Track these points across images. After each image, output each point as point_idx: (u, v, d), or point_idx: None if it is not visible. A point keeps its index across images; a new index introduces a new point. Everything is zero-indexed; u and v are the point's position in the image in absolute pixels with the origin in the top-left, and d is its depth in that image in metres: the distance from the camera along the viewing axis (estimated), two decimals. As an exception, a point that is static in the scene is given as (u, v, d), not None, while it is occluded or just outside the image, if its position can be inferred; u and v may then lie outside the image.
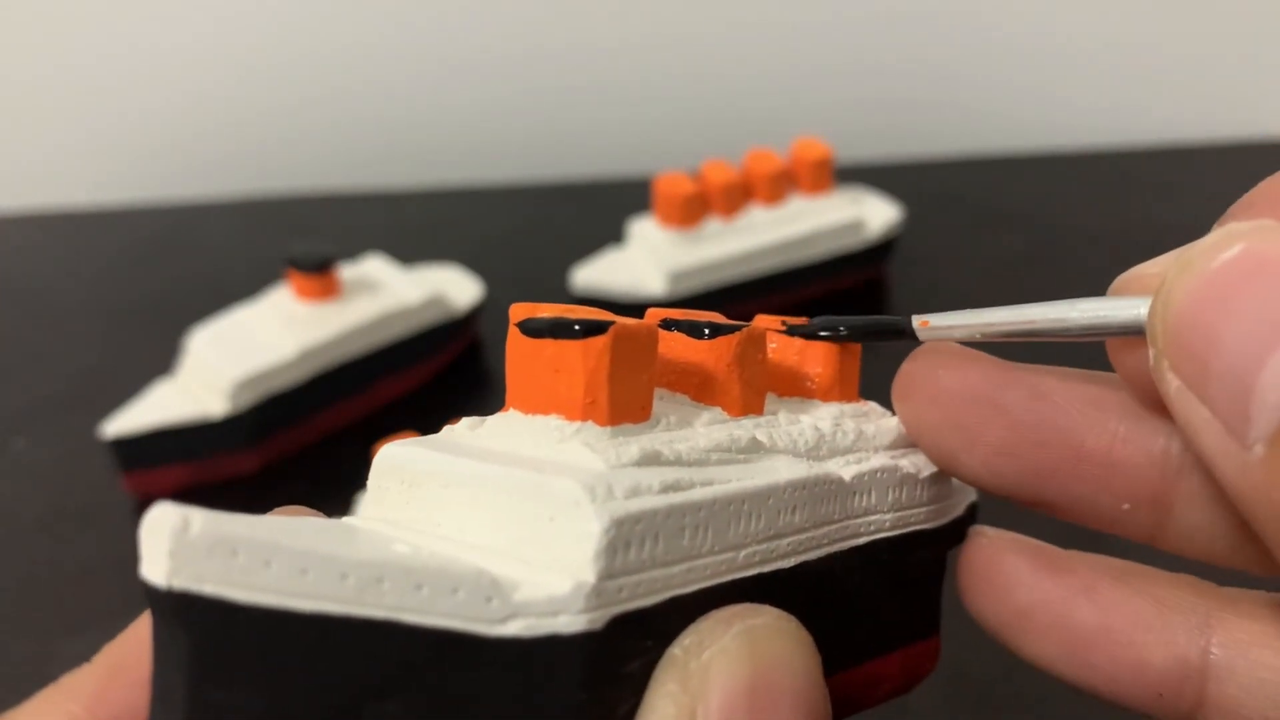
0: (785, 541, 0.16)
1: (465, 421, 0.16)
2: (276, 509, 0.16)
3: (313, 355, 0.47)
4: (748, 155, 0.53)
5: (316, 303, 0.48)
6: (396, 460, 0.16)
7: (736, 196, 0.52)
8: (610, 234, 0.57)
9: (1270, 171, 0.16)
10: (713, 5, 0.71)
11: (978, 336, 0.17)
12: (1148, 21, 0.72)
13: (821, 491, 0.17)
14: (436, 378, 0.52)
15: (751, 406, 0.17)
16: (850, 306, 0.55)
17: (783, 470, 0.16)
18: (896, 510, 0.19)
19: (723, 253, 0.52)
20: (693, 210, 0.51)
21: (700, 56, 0.72)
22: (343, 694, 0.12)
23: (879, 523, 0.18)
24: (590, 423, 0.15)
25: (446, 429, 0.16)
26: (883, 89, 0.73)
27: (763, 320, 0.19)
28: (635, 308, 0.52)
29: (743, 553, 0.16)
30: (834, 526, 0.17)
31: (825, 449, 0.18)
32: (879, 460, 0.18)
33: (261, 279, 0.52)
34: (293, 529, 0.12)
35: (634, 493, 0.14)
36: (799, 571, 0.17)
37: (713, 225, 0.52)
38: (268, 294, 0.49)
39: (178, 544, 0.11)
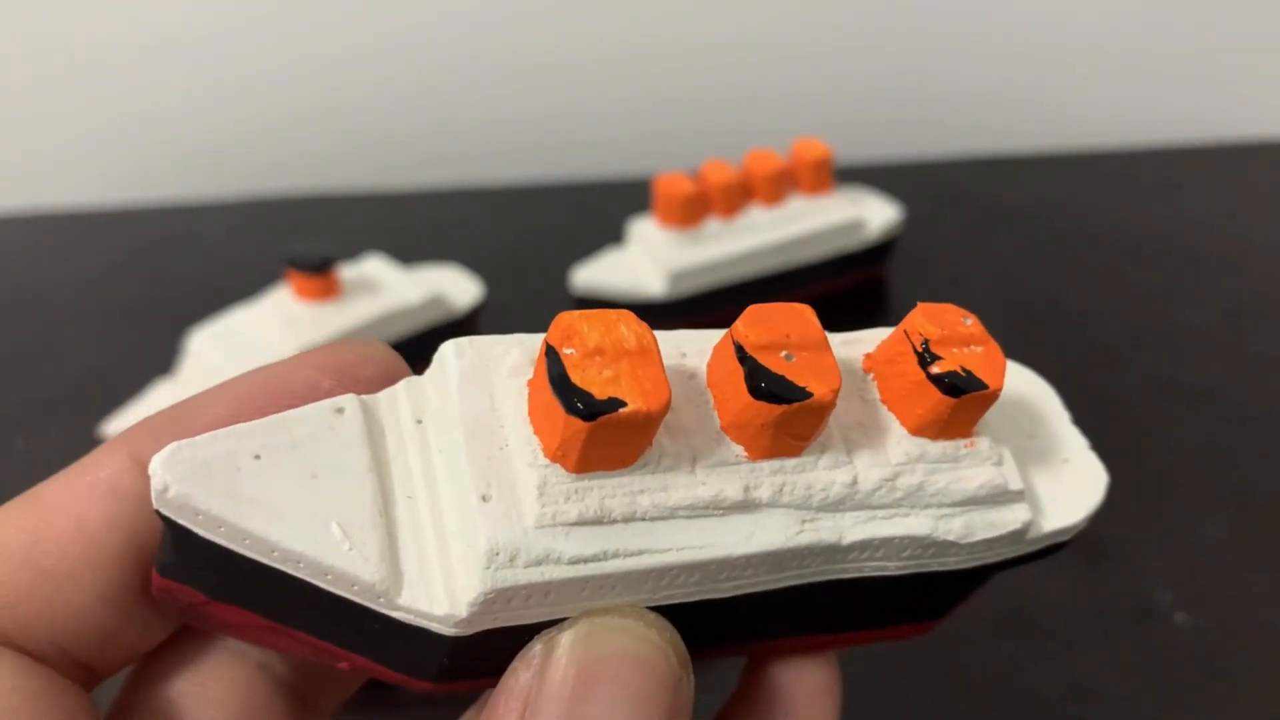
0: (727, 585, 0.16)
1: (509, 366, 0.16)
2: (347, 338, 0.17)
3: (312, 356, 0.47)
4: (748, 155, 0.53)
5: (316, 303, 0.48)
6: (446, 374, 0.17)
7: (736, 196, 0.52)
8: (610, 234, 0.57)
9: (1270, 171, 0.14)
10: (713, 5, 0.71)
11: None
12: (1148, 21, 0.72)
13: (793, 556, 0.16)
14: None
15: (782, 450, 0.16)
16: (850, 306, 0.55)
17: (759, 535, 0.16)
18: (911, 560, 0.17)
19: (723, 253, 0.52)
20: (693, 210, 0.51)
21: (700, 56, 0.72)
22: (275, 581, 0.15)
23: (878, 568, 0.17)
24: (558, 466, 0.15)
25: (510, 368, 0.16)
26: (883, 89, 0.73)
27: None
28: (635, 308, 0.52)
29: (658, 595, 0.16)
30: (804, 570, 0.17)
31: (850, 503, 0.16)
32: (914, 523, 0.16)
33: (261, 279, 0.52)
34: (266, 494, 0.15)
35: (539, 561, 0.14)
36: (738, 599, 0.16)
37: (713, 225, 0.52)
38: (268, 294, 0.49)
39: (158, 491, 0.14)
